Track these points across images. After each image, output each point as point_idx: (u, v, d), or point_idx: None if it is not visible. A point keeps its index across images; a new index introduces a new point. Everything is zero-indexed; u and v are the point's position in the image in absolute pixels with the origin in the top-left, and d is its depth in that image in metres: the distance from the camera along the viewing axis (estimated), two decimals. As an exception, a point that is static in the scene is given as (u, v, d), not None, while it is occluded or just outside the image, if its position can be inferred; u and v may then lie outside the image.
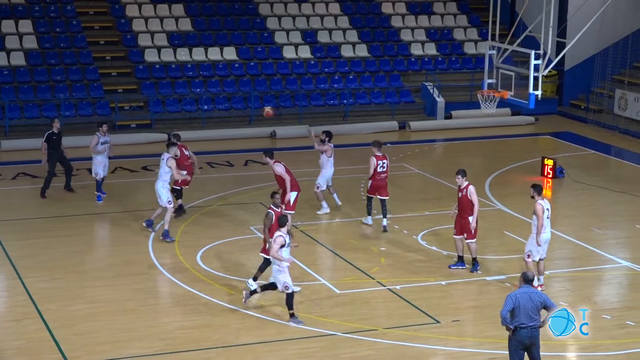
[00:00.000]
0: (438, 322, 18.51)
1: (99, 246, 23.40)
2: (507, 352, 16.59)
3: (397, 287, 20.05)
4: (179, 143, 24.33)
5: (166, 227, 22.56)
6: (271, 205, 19.34)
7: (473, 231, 20.75)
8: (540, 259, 19.86)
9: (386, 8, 40.43)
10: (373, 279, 20.63)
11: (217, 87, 35.64)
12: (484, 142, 34.06)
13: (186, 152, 24.29)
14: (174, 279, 20.46)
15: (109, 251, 22.67)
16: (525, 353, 15.26)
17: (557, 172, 28.71)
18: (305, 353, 17.17)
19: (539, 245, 19.61)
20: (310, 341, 17.56)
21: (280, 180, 22.79)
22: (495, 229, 24.02)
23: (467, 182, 20.78)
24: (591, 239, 23.40)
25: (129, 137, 32.63)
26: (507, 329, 15.15)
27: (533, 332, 15.05)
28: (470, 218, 20.68)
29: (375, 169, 23.50)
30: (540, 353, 15.27)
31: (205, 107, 34.70)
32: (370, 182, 23.70)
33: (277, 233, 18.06)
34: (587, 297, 19.93)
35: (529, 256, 19.71)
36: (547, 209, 19.60)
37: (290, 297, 18.13)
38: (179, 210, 24.23)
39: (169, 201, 22.61)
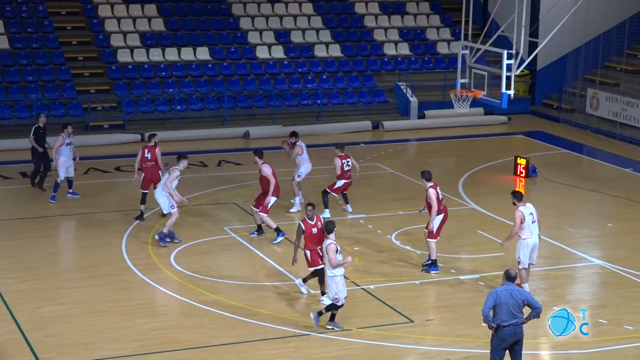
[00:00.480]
0: (412, 321, 18.50)
1: (71, 247, 23.27)
2: (481, 351, 16.70)
3: (371, 286, 20.04)
4: (149, 144, 24.21)
5: (164, 230, 22.25)
6: (305, 217, 19.13)
7: (435, 231, 20.82)
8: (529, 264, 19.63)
9: (359, 8, 40.44)
10: (347, 278, 20.37)
11: (190, 87, 35.54)
12: (457, 141, 34.08)
13: (147, 154, 24.10)
14: (148, 279, 20.37)
15: (82, 252, 22.51)
16: (507, 351, 15.20)
17: (530, 171, 28.78)
18: (279, 353, 17.14)
19: (502, 246, 19.56)
20: (284, 341, 17.53)
21: (264, 181, 22.73)
22: (469, 228, 24.06)
23: (429, 184, 20.80)
24: (564, 238, 23.42)
25: (102, 138, 32.51)
26: (489, 327, 15.07)
27: (517, 329, 14.98)
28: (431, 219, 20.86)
29: (342, 168, 24.12)
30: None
31: (179, 107, 34.59)
32: (340, 181, 24.25)
33: (328, 240, 17.72)
34: (561, 296, 19.99)
35: (519, 263, 19.39)
36: (531, 213, 19.29)
37: (334, 307, 17.83)
38: (140, 217, 24.21)
39: (172, 206, 22.16)
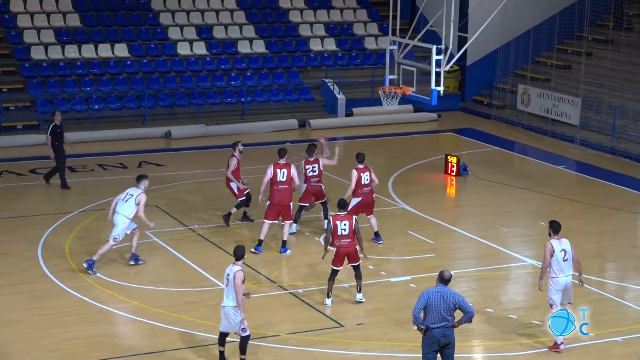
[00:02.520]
0: (342, 325, 18.26)
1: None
2: (412, 355, 16.67)
3: (299, 290, 19.70)
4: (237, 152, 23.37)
5: (94, 258, 20.61)
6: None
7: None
8: (564, 304, 17.36)
9: (284, 2, 40.02)
10: (274, 282, 20.27)
11: (109, 85, 34.73)
12: (386, 139, 33.91)
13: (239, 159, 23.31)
14: (66, 287, 19.81)
15: (-5, 259, 21.71)
16: (439, 354, 15.01)
17: (461, 170, 28.63)
18: (204, 362, 16.78)
19: (540, 290, 17.51)
20: (209, 349, 17.04)
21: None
22: (399, 229, 23.85)
23: (359, 166, 22.03)
24: (495, 237, 23.30)
25: (16, 139, 31.62)
26: (418, 329, 14.90)
27: (446, 331, 14.79)
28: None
29: (306, 174, 22.91)
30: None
31: (96, 106, 33.79)
32: (304, 186, 22.99)
33: (236, 267, 16.04)
34: (493, 297, 19.82)
35: (551, 306, 17.26)
36: (564, 250, 17.16)
37: (246, 340, 16.35)
38: (246, 218, 23.83)
39: (115, 238, 20.53)
